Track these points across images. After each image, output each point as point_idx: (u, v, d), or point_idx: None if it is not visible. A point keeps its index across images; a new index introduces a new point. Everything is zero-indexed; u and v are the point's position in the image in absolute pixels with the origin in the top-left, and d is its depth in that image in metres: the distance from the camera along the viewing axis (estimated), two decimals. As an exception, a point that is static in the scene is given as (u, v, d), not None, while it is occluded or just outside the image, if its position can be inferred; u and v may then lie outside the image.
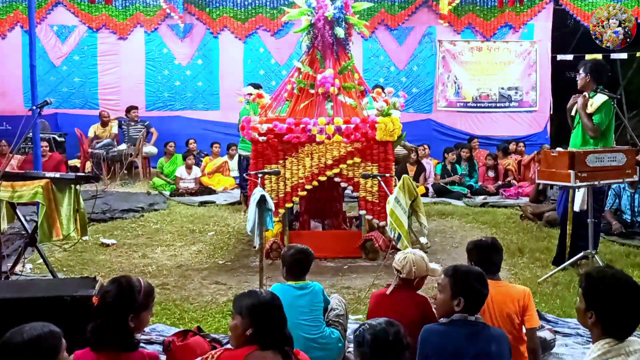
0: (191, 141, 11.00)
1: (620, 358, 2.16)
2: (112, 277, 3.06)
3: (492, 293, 3.20)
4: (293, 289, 3.54)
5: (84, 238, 5.44)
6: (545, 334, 3.78)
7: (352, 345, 3.80)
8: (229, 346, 3.60)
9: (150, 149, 11.35)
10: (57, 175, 4.95)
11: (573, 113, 5.66)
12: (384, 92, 6.25)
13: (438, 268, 3.56)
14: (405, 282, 3.44)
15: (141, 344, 3.09)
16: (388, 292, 3.42)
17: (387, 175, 5.67)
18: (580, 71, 5.52)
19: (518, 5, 12.00)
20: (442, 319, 2.86)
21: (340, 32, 6.05)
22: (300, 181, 5.83)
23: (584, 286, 2.31)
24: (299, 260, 3.64)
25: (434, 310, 3.28)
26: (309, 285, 3.58)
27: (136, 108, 11.37)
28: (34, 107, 5.42)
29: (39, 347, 2.19)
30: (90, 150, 10.84)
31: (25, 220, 5.31)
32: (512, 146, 10.88)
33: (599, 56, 11.08)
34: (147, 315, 2.85)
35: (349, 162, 5.80)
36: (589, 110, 5.35)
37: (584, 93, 5.47)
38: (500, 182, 10.14)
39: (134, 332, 2.72)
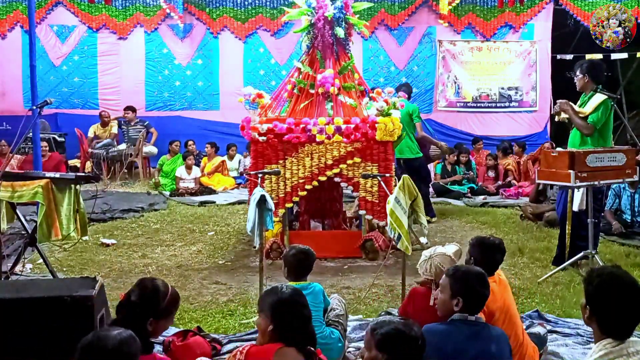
0: (190, 142, 11.03)
1: (622, 359, 2.16)
2: (141, 277, 3.03)
3: (502, 291, 3.24)
4: (293, 289, 3.54)
5: (84, 238, 5.43)
6: (538, 329, 3.78)
7: (352, 345, 3.82)
8: (228, 347, 3.61)
9: (150, 149, 11.35)
10: (57, 175, 4.94)
11: (557, 120, 5.72)
12: (384, 92, 6.24)
13: (456, 246, 3.56)
14: None
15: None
16: (432, 303, 3.32)
17: (387, 175, 5.67)
18: (577, 72, 5.52)
19: (518, 5, 12.00)
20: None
21: (340, 32, 6.05)
22: (300, 181, 5.83)
23: (584, 281, 2.33)
24: (301, 260, 3.64)
25: None
26: (310, 285, 3.58)
27: (130, 109, 11.34)
28: (34, 107, 5.42)
29: (126, 351, 2.19)
30: (90, 150, 10.85)
31: (25, 220, 5.30)
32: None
33: (599, 56, 11.11)
34: (167, 323, 2.84)
35: (349, 162, 5.79)
36: (588, 110, 5.36)
37: (565, 101, 5.50)
38: (500, 182, 10.14)
39: (150, 336, 2.70)
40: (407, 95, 7.65)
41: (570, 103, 5.49)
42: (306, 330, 2.57)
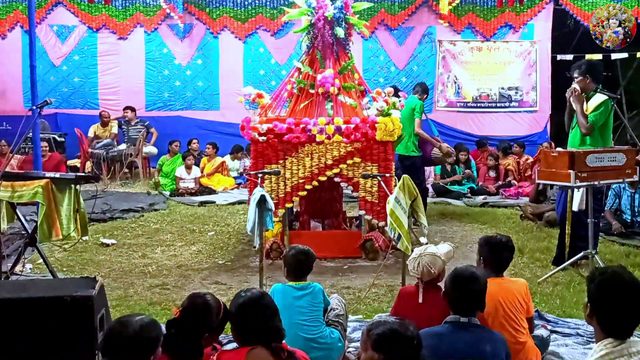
0: (194, 141, 11.03)
1: (623, 359, 2.15)
2: (194, 293, 2.97)
3: (497, 290, 3.22)
4: (293, 289, 3.55)
5: (84, 238, 5.43)
6: (541, 331, 3.78)
7: (352, 345, 3.82)
8: (228, 347, 3.62)
9: (150, 149, 11.35)
10: (57, 175, 4.94)
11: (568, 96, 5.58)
12: (384, 93, 6.24)
13: (448, 247, 3.56)
14: (430, 284, 3.43)
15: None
16: (420, 300, 3.36)
17: (387, 175, 5.67)
18: (576, 74, 5.48)
19: (518, 5, 12.00)
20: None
21: (340, 32, 6.05)
22: (300, 181, 5.83)
23: (587, 278, 2.35)
24: (300, 261, 3.65)
25: None
26: (310, 285, 3.59)
27: (130, 109, 11.33)
28: (34, 107, 5.42)
29: (147, 336, 2.25)
30: (90, 150, 10.84)
31: (25, 220, 5.30)
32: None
33: (599, 56, 11.09)
34: (218, 336, 2.91)
35: (349, 162, 5.80)
36: (587, 110, 5.36)
37: (581, 93, 5.41)
38: (500, 182, 10.13)
39: (202, 350, 2.74)
40: (418, 94, 7.64)
41: (583, 97, 5.41)
42: (267, 327, 2.57)
